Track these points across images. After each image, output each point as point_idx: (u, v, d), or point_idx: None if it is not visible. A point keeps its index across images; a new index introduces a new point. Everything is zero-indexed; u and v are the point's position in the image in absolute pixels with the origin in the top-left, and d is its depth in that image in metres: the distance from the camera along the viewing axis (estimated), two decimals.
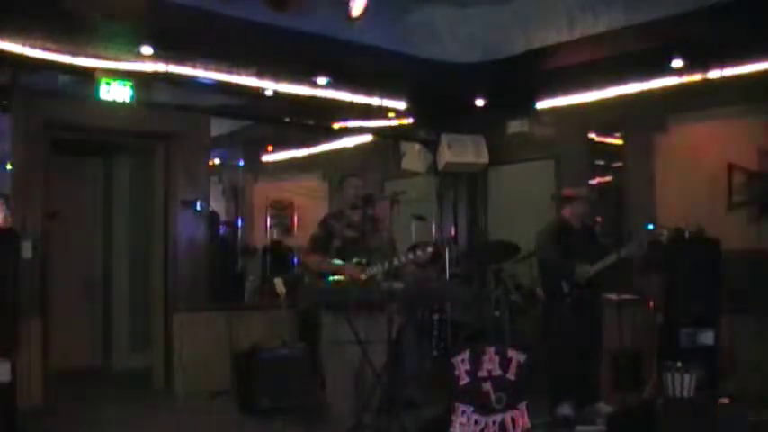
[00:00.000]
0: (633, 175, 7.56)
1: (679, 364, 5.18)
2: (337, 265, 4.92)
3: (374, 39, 6.37)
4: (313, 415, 5.96)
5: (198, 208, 7.46)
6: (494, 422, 4.46)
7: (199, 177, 7.54)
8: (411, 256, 5.01)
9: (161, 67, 6.52)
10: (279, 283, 7.12)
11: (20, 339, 5.39)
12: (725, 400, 5.82)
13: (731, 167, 6.75)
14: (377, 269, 4.91)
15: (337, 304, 4.78)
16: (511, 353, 4.60)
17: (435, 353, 7.33)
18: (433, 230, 7.85)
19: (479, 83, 7.64)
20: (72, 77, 6.64)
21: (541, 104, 8.06)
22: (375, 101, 7.89)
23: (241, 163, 9.84)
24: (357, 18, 5.48)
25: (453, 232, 8.83)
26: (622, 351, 5.98)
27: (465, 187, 9.18)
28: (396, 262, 4.86)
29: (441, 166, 8.58)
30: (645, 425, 5.02)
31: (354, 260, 4.95)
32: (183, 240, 7.40)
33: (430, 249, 5.09)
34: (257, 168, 10.44)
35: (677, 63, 6.69)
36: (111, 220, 8.92)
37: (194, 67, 6.67)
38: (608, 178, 8.02)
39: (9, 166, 6.52)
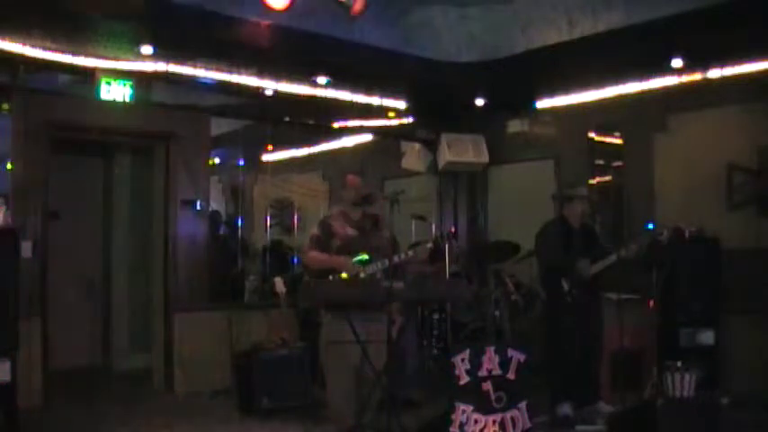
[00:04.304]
0: (633, 175, 7.57)
1: (679, 364, 5.18)
2: (336, 261, 4.92)
3: (374, 39, 6.37)
4: (313, 415, 5.96)
5: (198, 208, 7.46)
6: (494, 421, 4.46)
7: (199, 177, 7.53)
8: (410, 253, 5.02)
9: (161, 66, 6.52)
10: (279, 283, 7.12)
11: (20, 339, 5.38)
12: (725, 400, 5.84)
13: (731, 167, 6.75)
14: (376, 267, 4.92)
15: (337, 304, 4.78)
16: (511, 352, 4.60)
17: (435, 352, 7.33)
18: (433, 230, 7.85)
19: (479, 83, 7.65)
20: (72, 77, 6.64)
21: (541, 104, 8.06)
22: (375, 101, 7.89)
23: (241, 163, 9.84)
24: (357, 14, 5.48)
25: (453, 230, 8.83)
26: (622, 351, 5.98)
27: (465, 187, 9.19)
28: (395, 259, 4.86)
29: (441, 165, 8.58)
30: (645, 425, 5.02)
31: (356, 258, 4.96)
32: (183, 240, 7.40)
33: (429, 246, 5.10)
34: (257, 168, 10.43)
35: (677, 63, 6.70)
36: (111, 220, 8.91)
37: (194, 66, 6.67)
38: (608, 178, 8.03)
39: (9, 166, 6.52)
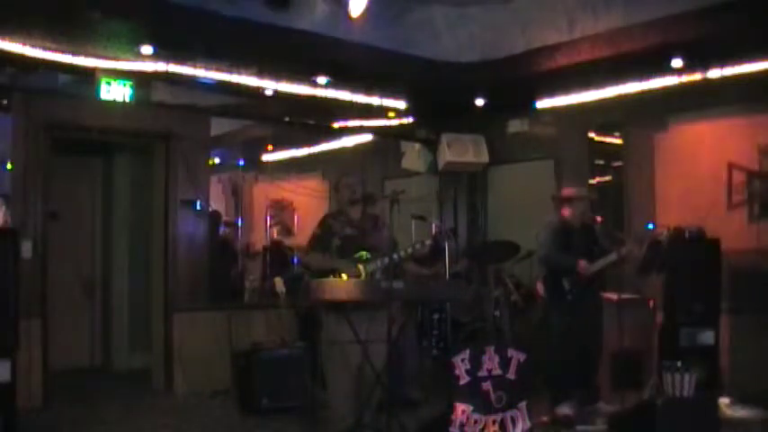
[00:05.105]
0: (633, 175, 7.56)
1: (679, 364, 5.18)
2: (337, 263, 4.92)
3: (374, 39, 6.37)
4: (313, 415, 5.96)
5: (198, 208, 7.46)
6: (494, 422, 4.46)
7: (199, 177, 7.54)
8: (410, 250, 5.01)
9: (161, 66, 6.51)
10: (279, 283, 7.13)
11: (20, 339, 5.38)
12: (725, 400, 5.84)
13: (731, 167, 6.75)
14: (376, 266, 4.92)
15: (337, 304, 4.78)
16: (511, 352, 4.60)
17: (435, 353, 7.33)
18: (433, 230, 7.84)
19: (479, 83, 7.64)
20: (72, 77, 6.65)
21: (541, 104, 8.05)
22: (375, 101, 7.88)
23: (241, 163, 9.85)
24: (357, 17, 5.48)
25: (452, 234, 8.83)
26: (622, 351, 5.98)
27: (465, 187, 9.19)
28: (395, 257, 4.86)
29: (441, 165, 8.58)
30: (645, 425, 5.02)
31: (356, 256, 4.95)
32: (183, 240, 7.40)
33: (429, 242, 5.09)
34: (257, 168, 10.44)
35: (677, 63, 6.69)
36: (111, 220, 8.91)
37: (194, 66, 6.67)
38: (608, 178, 8.03)
39: (9, 166, 6.52)
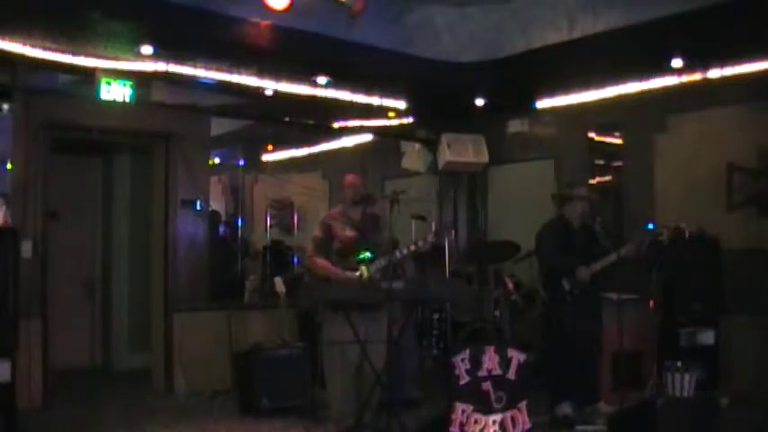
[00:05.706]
0: (633, 175, 7.57)
1: (679, 363, 5.18)
2: (342, 274, 4.93)
3: (374, 39, 6.36)
4: (313, 415, 5.96)
5: (198, 207, 7.46)
6: (494, 421, 4.47)
7: (199, 177, 7.54)
8: (413, 247, 5.02)
9: (161, 66, 6.52)
10: (279, 283, 7.12)
11: (20, 339, 5.38)
12: (725, 400, 5.84)
13: (731, 167, 6.75)
14: (380, 264, 4.92)
15: (337, 304, 4.78)
16: (511, 352, 4.61)
17: (435, 353, 7.34)
18: (433, 228, 7.86)
19: (479, 83, 7.65)
20: (72, 77, 6.65)
21: (541, 104, 8.06)
22: (375, 101, 7.89)
23: (241, 163, 9.85)
24: (357, 14, 5.48)
25: (453, 231, 8.84)
26: (622, 351, 5.97)
27: (465, 187, 9.19)
28: (397, 254, 4.86)
29: (441, 165, 8.59)
30: (645, 425, 5.02)
31: (359, 257, 4.96)
32: (183, 240, 7.40)
33: (431, 238, 5.09)
34: (257, 168, 10.44)
35: (677, 63, 6.70)
36: (111, 220, 8.91)
37: (194, 66, 6.67)
38: (608, 178, 8.03)
39: (9, 166, 6.52)
